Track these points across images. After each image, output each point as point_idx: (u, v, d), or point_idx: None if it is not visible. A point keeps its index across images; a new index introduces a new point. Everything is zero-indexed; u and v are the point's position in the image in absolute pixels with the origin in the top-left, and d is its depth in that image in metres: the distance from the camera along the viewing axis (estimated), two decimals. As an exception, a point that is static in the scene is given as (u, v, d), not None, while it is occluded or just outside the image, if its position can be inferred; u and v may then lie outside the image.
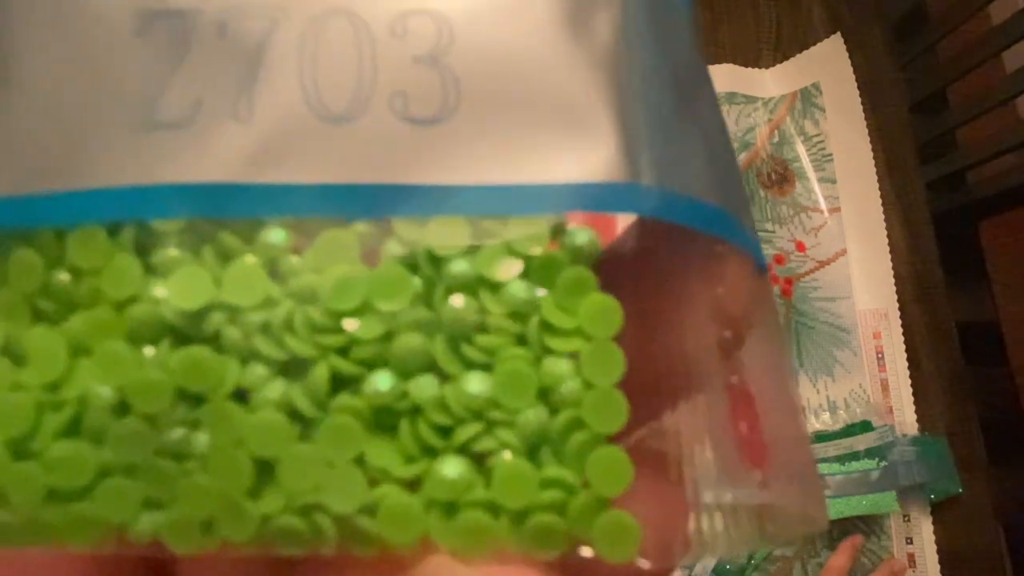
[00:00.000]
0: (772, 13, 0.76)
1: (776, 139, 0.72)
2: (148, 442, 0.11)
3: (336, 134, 0.11)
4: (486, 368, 0.11)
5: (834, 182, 0.71)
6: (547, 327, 0.11)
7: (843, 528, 0.63)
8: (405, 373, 0.11)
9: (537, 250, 0.11)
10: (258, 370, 0.11)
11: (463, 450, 0.11)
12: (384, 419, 0.11)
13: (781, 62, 0.74)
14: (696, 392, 0.12)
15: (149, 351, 0.11)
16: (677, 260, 0.12)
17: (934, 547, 0.64)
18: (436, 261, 0.11)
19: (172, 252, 0.11)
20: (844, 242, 0.69)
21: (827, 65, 0.74)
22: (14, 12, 0.11)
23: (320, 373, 0.11)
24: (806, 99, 0.73)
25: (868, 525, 0.64)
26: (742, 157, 0.71)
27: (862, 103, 0.72)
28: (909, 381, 0.66)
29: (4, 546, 0.11)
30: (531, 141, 0.11)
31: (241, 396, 0.11)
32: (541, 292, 0.11)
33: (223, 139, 0.11)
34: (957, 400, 0.67)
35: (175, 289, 0.11)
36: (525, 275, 0.11)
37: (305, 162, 0.11)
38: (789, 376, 0.14)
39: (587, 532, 0.10)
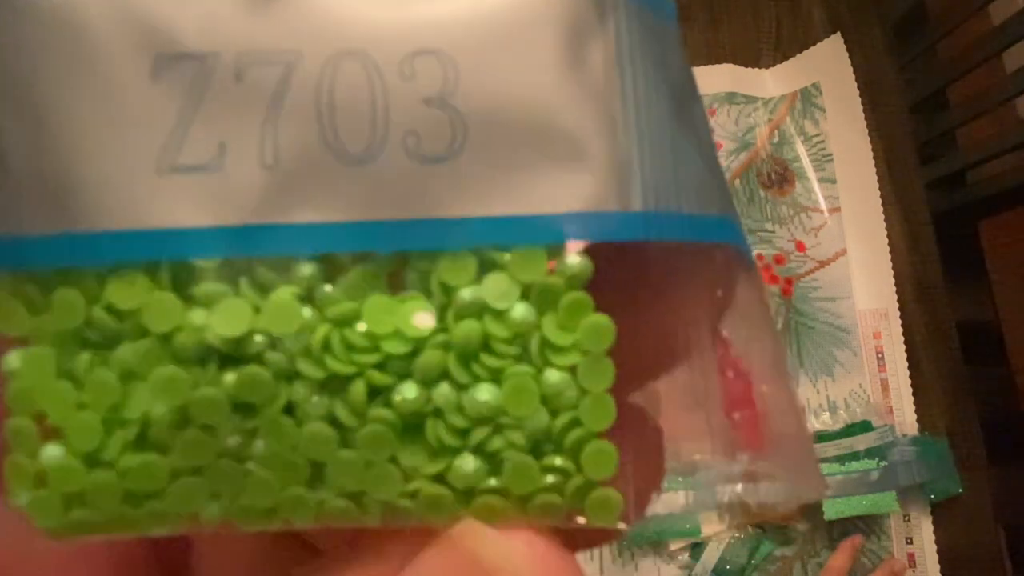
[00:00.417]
0: (772, 13, 0.76)
1: (776, 139, 0.72)
2: (210, 448, 0.12)
3: (355, 174, 0.12)
4: (494, 380, 0.13)
5: (834, 182, 0.71)
6: (547, 344, 0.13)
7: (843, 528, 0.63)
8: (426, 383, 0.13)
9: (537, 278, 0.13)
10: (300, 387, 0.12)
11: (477, 448, 0.13)
12: (411, 422, 0.13)
13: (781, 62, 0.74)
14: (680, 364, 0.14)
15: (199, 373, 0.12)
16: (660, 253, 0.14)
17: (934, 547, 0.64)
18: (447, 289, 0.12)
19: (211, 286, 0.12)
20: (844, 242, 0.69)
21: (827, 65, 0.74)
22: (35, 52, 0.12)
23: (358, 387, 0.12)
24: (806, 99, 0.73)
25: (868, 525, 0.64)
26: (742, 157, 0.71)
27: (862, 103, 0.72)
28: (909, 381, 0.66)
29: (91, 536, 0.13)
30: (531, 174, 0.12)
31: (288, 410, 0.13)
32: (529, 313, 0.13)
33: (250, 181, 0.12)
34: (957, 400, 0.67)
35: (218, 319, 0.12)
36: (526, 298, 0.13)
37: (327, 202, 0.12)
38: (781, 358, 0.16)
39: (580, 506, 0.13)
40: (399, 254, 0.12)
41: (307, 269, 0.12)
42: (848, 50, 0.74)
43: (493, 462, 0.13)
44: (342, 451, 0.13)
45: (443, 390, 0.12)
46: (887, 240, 0.69)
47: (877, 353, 0.67)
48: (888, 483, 0.62)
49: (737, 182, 0.71)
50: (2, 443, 0.13)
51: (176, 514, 0.13)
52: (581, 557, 0.14)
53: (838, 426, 0.64)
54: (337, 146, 0.12)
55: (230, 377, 0.12)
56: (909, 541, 0.64)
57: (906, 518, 0.64)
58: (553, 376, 0.13)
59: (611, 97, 0.13)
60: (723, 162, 0.71)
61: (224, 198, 0.12)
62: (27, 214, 0.12)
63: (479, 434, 0.13)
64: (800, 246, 0.69)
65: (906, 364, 0.67)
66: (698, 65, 0.73)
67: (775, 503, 0.15)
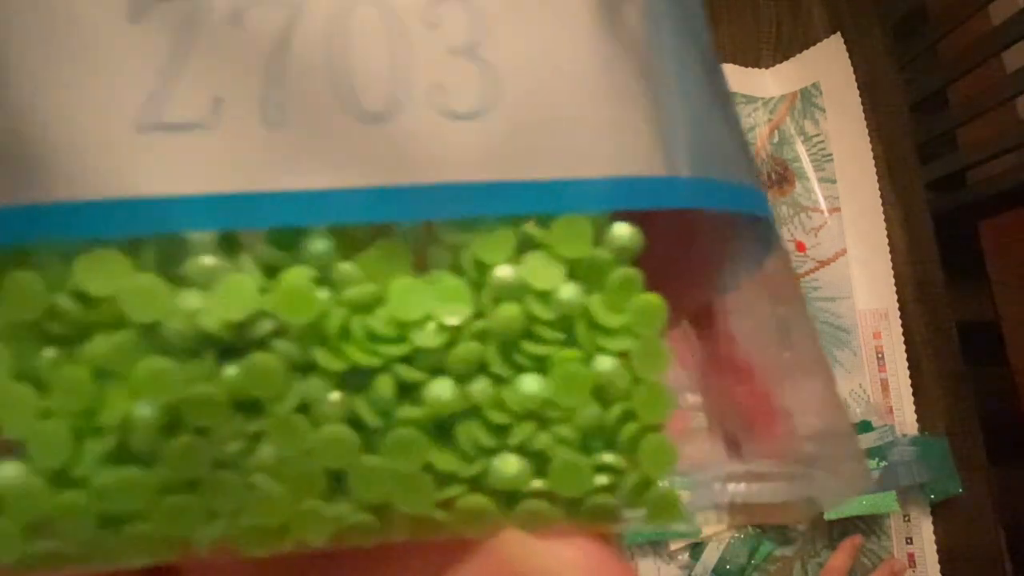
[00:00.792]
0: (772, 13, 0.76)
1: (776, 139, 0.72)
2: (205, 456, 0.10)
3: (372, 133, 0.10)
4: (538, 370, 0.11)
5: (834, 182, 0.71)
6: (596, 326, 0.11)
7: (843, 528, 0.63)
8: (460, 378, 0.11)
9: (583, 252, 0.11)
10: (315, 382, 0.11)
11: (520, 447, 0.11)
12: (443, 422, 0.11)
13: (781, 62, 0.74)
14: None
15: (194, 366, 0.10)
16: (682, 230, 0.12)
17: (934, 547, 0.64)
18: (482, 268, 0.11)
19: (207, 262, 0.10)
20: (844, 242, 0.69)
21: (827, 65, 0.74)
22: None
23: (385, 383, 0.11)
24: (806, 99, 0.73)
25: (868, 525, 0.63)
26: (742, 157, 0.71)
27: (862, 103, 0.72)
28: (909, 381, 0.66)
29: (59, 570, 0.10)
30: (570, 134, 0.11)
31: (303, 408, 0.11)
32: (576, 293, 0.11)
33: (250, 142, 0.10)
34: (957, 400, 0.67)
35: (217, 300, 0.10)
36: (571, 277, 0.11)
37: (341, 165, 0.10)
38: (816, 345, 0.14)
39: (636, 506, 0.11)
40: (424, 227, 0.11)
41: (319, 244, 0.10)
42: (848, 50, 0.73)
43: (538, 462, 0.11)
44: (365, 457, 0.11)
45: (481, 384, 0.11)
46: (887, 240, 0.69)
47: (877, 353, 0.67)
48: (888, 483, 0.62)
49: (737, 182, 0.71)
50: None
51: (164, 539, 0.11)
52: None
53: (838, 426, 0.64)
54: (351, 101, 0.10)
55: (231, 370, 0.10)
56: (909, 541, 0.64)
57: (906, 518, 0.64)
58: (604, 363, 0.11)
59: (651, 55, 0.12)
60: (723, 162, 0.71)
61: (220, 161, 0.10)
62: None
63: (523, 431, 0.11)
64: (800, 246, 0.69)
65: (906, 364, 0.67)
66: (698, 65, 0.73)
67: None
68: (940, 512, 0.65)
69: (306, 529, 0.11)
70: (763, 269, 0.13)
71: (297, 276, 0.10)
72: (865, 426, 0.63)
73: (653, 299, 0.11)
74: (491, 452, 0.11)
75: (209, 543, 0.11)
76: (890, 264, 0.69)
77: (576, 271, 0.11)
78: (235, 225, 0.10)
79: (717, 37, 0.75)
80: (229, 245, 0.10)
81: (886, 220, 0.70)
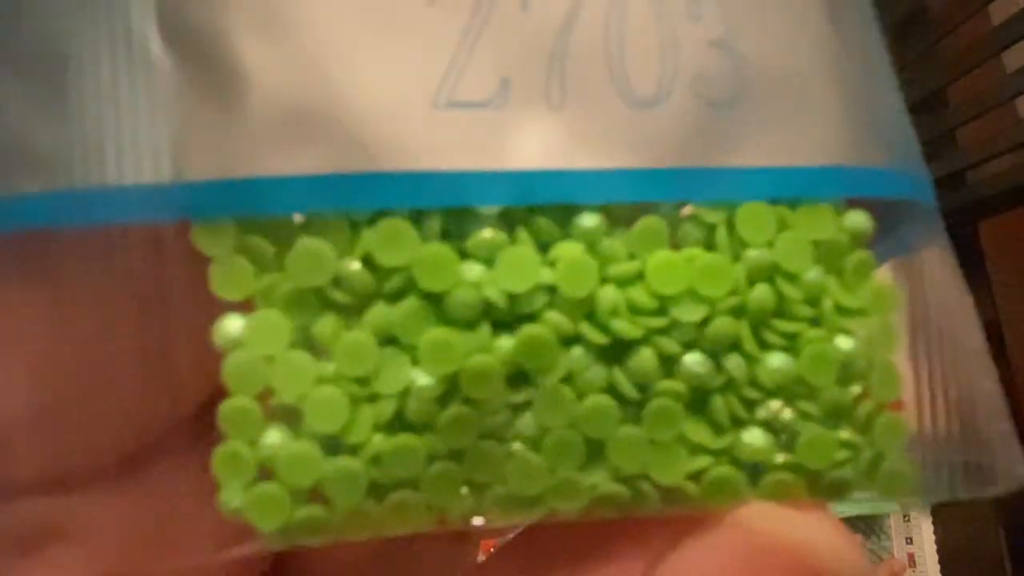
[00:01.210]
0: (772, 13, 0.76)
1: (776, 139, 0.72)
2: (474, 426, 0.11)
3: (641, 118, 0.11)
4: (786, 349, 0.11)
5: (834, 182, 0.71)
6: (838, 307, 0.12)
7: (843, 528, 0.63)
8: (712, 353, 0.11)
9: (829, 235, 0.12)
10: (579, 353, 0.11)
11: (764, 422, 0.12)
12: (695, 396, 0.11)
13: (781, 62, 0.74)
14: None
15: (474, 337, 0.11)
16: None
17: (934, 547, 0.64)
18: (740, 246, 0.11)
19: (492, 235, 0.11)
20: (844, 242, 0.69)
21: (827, 65, 0.74)
22: None
23: (646, 355, 0.11)
24: (806, 99, 0.73)
25: (868, 525, 0.64)
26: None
27: (862, 103, 0.72)
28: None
29: (318, 539, 0.11)
30: (806, 126, 0.12)
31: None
32: (820, 274, 0.12)
33: (535, 123, 0.11)
34: (957, 400, 0.67)
35: (503, 272, 0.11)
36: (816, 260, 0.12)
37: (613, 147, 0.11)
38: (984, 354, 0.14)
39: (870, 481, 0.12)
40: (677, 206, 0.11)
41: (589, 221, 0.11)
42: (848, 50, 0.73)
43: (782, 436, 0.12)
44: (624, 427, 0.11)
45: (735, 360, 0.11)
46: (887, 240, 0.69)
47: (877, 353, 0.67)
48: (888, 483, 0.62)
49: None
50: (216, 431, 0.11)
51: (425, 508, 0.11)
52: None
53: (838, 426, 0.64)
54: (625, 88, 0.11)
55: (505, 342, 0.11)
56: (909, 541, 0.64)
57: (906, 518, 0.64)
58: (845, 343, 0.12)
59: (867, 50, 0.13)
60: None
61: (504, 140, 0.10)
62: (269, 153, 0.10)
63: (772, 406, 0.11)
64: (800, 246, 0.69)
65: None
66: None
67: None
68: (940, 512, 0.65)
69: (561, 499, 0.11)
70: (919, 255, 0.14)
71: (575, 251, 0.11)
72: (865, 426, 0.63)
73: (887, 282, 0.12)
74: (741, 425, 0.11)
75: (464, 513, 0.11)
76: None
77: (820, 254, 0.12)
78: (521, 201, 0.11)
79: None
80: (508, 220, 0.11)
81: (886, 220, 0.70)
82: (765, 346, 0.12)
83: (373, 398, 0.11)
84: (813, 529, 0.11)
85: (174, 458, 0.12)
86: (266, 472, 0.11)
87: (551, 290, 0.11)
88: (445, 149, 0.10)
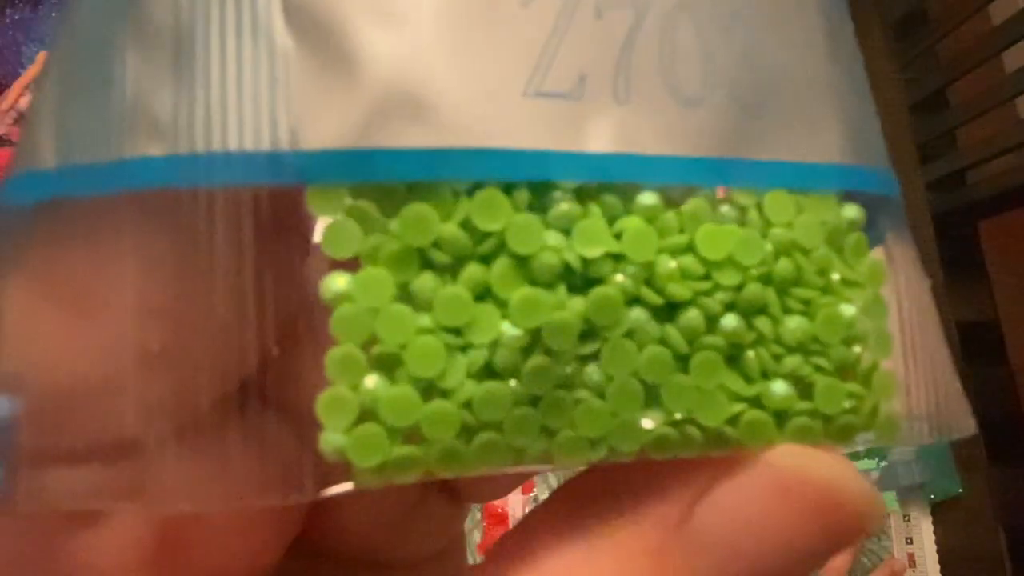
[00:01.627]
0: (772, 13, 0.76)
1: (776, 139, 0.72)
2: (552, 375, 0.12)
3: (687, 115, 0.13)
4: (802, 312, 0.14)
5: (834, 182, 0.71)
6: (844, 280, 0.14)
7: (843, 528, 0.63)
8: (745, 314, 0.13)
9: (834, 219, 0.14)
10: (638, 312, 0.13)
11: (786, 375, 0.13)
12: (731, 351, 0.13)
13: (781, 62, 0.74)
14: None
15: (554, 295, 0.12)
16: None
17: (934, 547, 0.64)
18: (768, 224, 0.13)
19: (570, 207, 0.12)
20: (844, 242, 0.69)
21: (827, 65, 0.74)
22: None
23: (695, 314, 0.13)
24: (806, 99, 0.73)
25: (868, 525, 0.64)
26: (742, 157, 0.71)
27: (862, 103, 0.72)
28: (909, 381, 0.66)
29: (410, 476, 0.12)
30: (817, 128, 0.14)
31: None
32: (827, 252, 0.14)
33: (605, 114, 0.12)
34: (957, 400, 0.67)
35: (579, 239, 0.12)
36: (824, 239, 0.14)
37: (667, 138, 0.13)
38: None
39: (869, 427, 0.14)
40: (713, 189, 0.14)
41: (649, 199, 0.13)
42: (848, 50, 0.73)
43: (801, 386, 0.13)
44: (677, 375, 0.13)
45: (763, 320, 0.13)
46: (887, 240, 0.69)
47: (877, 353, 0.67)
48: (888, 483, 0.62)
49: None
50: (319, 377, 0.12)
51: (506, 449, 0.12)
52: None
53: (838, 426, 0.64)
54: (675, 88, 0.13)
55: (578, 301, 0.12)
56: (909, 541, 0.64)
57: (906, 518, 0.64)
58: (849, 309, 0.14)
59: (858, 63, 0.15)
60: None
61: (581, 126, 0.12)
62: (381, 128, 0.12)
63: (791, 361, 0.13)
64: (800, 246, 0.69)
65: (906, 364, 0.67)
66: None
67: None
68: (940, 512, 0.65)
69: (620, 440, 0.13)
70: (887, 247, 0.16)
71: (638, 224, 0.13)
72: (865, 426, 0.63)
73: (879, 260, 0.14)
74: (768, 377, 0.13)
75: (538, 454, 0.12)
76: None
77: (825, 234, 0.14)
78: (595, 178, 0.13)
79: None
80: (580, 196, 0.13)
81: (886, 220, 0.70)
82: (787, 310, 0.13)
83: (466, 348, 0.12)
84: (836, 467, 0.13)
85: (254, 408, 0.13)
86: (365, 415, 0.12)
87: (616, 257, 0.13)
88: (533, 132, 0.12)
